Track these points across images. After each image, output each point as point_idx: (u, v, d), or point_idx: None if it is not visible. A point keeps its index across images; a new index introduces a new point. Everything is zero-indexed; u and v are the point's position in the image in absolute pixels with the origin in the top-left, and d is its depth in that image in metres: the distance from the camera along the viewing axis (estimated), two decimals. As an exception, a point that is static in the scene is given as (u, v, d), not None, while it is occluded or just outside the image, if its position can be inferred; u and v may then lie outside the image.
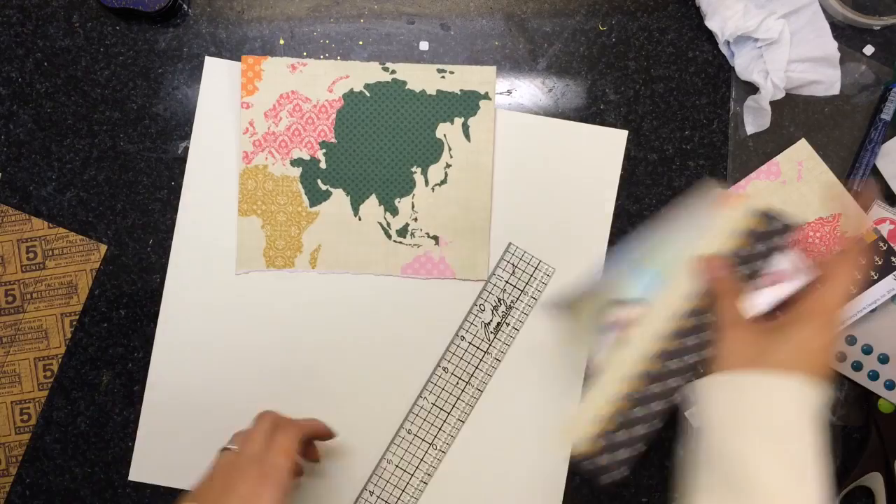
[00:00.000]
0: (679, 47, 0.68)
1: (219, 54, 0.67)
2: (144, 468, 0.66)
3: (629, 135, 0.67)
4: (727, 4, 0.64)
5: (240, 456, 0.55)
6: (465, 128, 0.65)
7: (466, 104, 0.66)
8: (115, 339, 0.67)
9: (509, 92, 0.68)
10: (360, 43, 0.68)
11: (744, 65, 0.66)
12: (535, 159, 0.67)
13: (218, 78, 0.67)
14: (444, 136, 0.66)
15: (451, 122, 0.66)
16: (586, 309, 0.58)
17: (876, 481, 0.66)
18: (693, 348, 0.54)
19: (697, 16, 0.67)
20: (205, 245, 0.67)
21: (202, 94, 0.67)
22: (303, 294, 0.67)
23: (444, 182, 0.66)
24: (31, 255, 0.67)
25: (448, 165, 0.66)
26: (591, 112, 0.67)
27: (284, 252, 0.66)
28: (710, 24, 0.66)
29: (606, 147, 0.67)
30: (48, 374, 0.67)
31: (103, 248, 0.66)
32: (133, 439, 0.66)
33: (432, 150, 0.66)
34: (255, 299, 0.67)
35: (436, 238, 0.66)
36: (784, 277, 0.54)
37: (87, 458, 0.66)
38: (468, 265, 0.66)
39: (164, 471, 0.66)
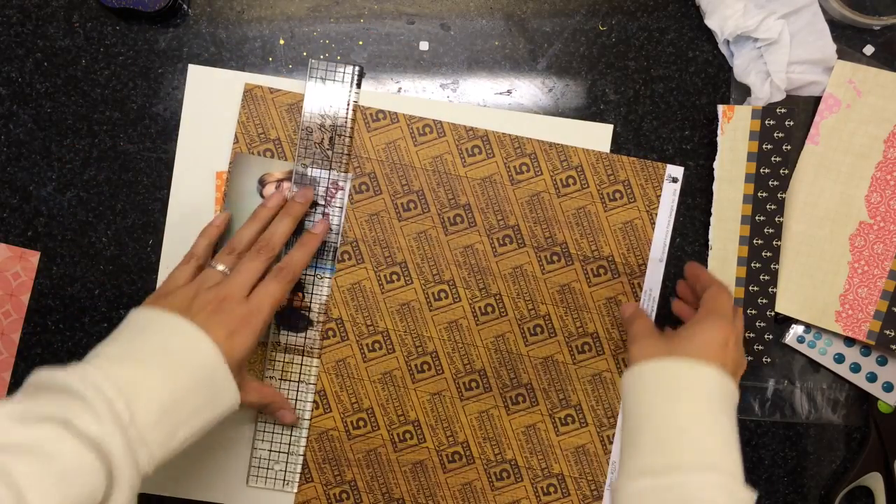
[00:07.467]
0: (679, 47, 0.68)
1: (219, 54, 0.67)
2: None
3: (629, 134, 0.67)
4: (727, 3, 0.64)
5: (228, 285, 0.54)
6: None
7: None
8: (115, 339, 0.67)
9: (509, 92, 0.67)
10: (360, 43, 0.68)
11: (742, 66, 0.66)
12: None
13: (203, 86, 0.67)
14: None
15: None
16: None
17: (876, 481, 0.66)
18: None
19: (697, 16, 0.67)
20: None
21: (186, 106, 0.67)
22: None
23: None
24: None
25: None
26: (591, 112, 0.67)
27: None
28: (710, 22, 0.66)
29: (592, 142, 0.67)
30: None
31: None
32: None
33: None
34: None
35: None
36: None
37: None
38: None
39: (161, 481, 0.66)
